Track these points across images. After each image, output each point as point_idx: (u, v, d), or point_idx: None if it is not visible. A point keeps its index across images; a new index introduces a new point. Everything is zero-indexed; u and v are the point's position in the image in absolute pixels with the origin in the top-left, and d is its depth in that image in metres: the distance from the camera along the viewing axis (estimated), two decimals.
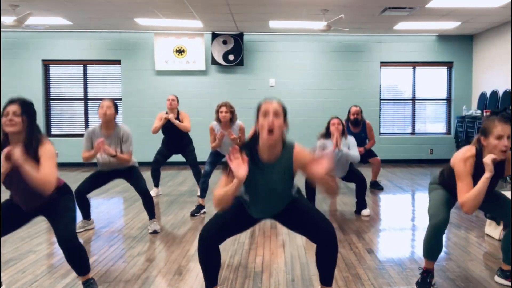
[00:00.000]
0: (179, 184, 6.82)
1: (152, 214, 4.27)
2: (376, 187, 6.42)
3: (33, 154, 2.50)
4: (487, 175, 2.52)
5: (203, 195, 5.00)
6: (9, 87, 8.42)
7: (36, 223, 4.50)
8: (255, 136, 2.32)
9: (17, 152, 2.34)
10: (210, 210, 5.07)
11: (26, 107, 2.56)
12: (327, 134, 4.73)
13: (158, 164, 5.84)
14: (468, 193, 2.55)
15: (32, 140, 2.53)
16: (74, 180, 4.94)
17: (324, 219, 2.45)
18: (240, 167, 2.14)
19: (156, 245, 3.86)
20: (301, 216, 2.48)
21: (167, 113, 5.66)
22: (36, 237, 4.08)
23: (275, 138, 2.21)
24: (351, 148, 4.76)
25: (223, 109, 4.82)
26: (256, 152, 2.31)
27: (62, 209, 2.69)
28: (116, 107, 4.08)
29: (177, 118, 5.66)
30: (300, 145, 2.34)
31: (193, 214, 4.87)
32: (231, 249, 3.68)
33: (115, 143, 4.02)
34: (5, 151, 2.35)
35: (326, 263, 2.46)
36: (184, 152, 5.77)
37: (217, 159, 5.05)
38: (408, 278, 3.05)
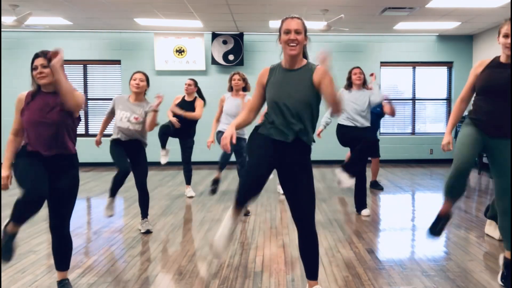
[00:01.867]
0: (179, 184, 6.82)
1: (145, 213, 4.28)
2: (376, 187, 6.41)
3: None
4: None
5: (221, 168, 5.34)
6: (9, 87, 8.42)
7: (36, 223, 4.50)
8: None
9: (59, 58, 2.60)
10: (211, 215, 5.08)
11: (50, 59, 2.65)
12: (349, 85, 4.81)
13: (168, 129, 5.64)
14: (455, 103, 3.01)
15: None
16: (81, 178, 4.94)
17: (313, 203, 2.49)
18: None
19: (156, 245, 3.86)
20: (300, 183, 2.46)
21: (184, 97, 5.68)
22: (36, 237, 4.08)
23: (297, 52, 2.42)
24: (372, 95, 4.75)
25: (236, 76, 5.04)
26: (280, 65, 2.54)
27: (68, 194, 2.68)
28: (148, 81, 4.18)
29: (193, 103, 5.63)
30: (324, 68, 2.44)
31: (213, 192, 5.35)
32: (231, 249, 3.68)
33: (135, 113, 4.06)
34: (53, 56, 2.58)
35: (308, 254, 2.56)
36: (185, 140, 5.72)
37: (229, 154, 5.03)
38: (408, 278, 3.05)
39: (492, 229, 3.98)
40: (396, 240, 3.97)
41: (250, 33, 8.81)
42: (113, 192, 4.24)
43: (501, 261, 3.00)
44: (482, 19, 7.59)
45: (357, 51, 9.15)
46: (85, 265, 3.33)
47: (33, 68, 2.64)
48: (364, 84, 4.83)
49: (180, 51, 8.87)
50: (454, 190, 2.87)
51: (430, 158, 9.18)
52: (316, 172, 5.43)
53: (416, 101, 9.44)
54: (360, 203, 4.88)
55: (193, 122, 5.69)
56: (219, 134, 5.07)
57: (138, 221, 4.62)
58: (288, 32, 2.40)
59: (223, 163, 5.28)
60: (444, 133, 3.05)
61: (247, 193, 2.48)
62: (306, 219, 2.50)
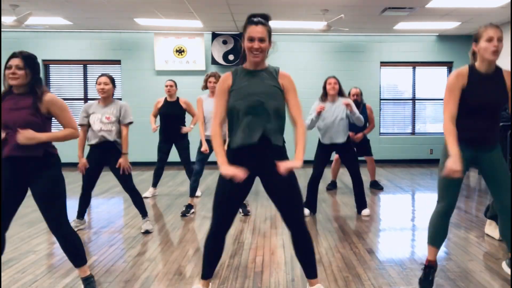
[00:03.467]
0: (179, 184, 6.82)
1: (143, 212, 4.28)
2: (376, 187, 6.41)
3: (39, 105, 2.57)
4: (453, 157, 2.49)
5: (192, 194, 4.96)
6: None
7: (36, 223, 4.50)
8: (244, 56, 2.48)
9: (25, 136, 2.47)
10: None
11: (29, 60, 2.60)
12: (324, 95, 4.73)
13: (162, 162, 5.79)
14: (444, 122, 2.60)
15: (37, 92, 2.59)
16: (74, 180, 4.95)
17: (300, 202, 2.48)
18: (229, 170, 2.30)
19: (156, 245, 3.86)
20: (282, 185, 2.42)
21: (165, 99, 5.68)
22: (36, 237, 4.08)
23: (261, 59, 2.40)
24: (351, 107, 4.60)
25: (212, 79, 4.89)
26: (242, 68, 2.50)
27: (53, 195, 2.63)
28: (113, 82, 4.13)
29: (177, 103, 5.64)
30: (286, 73, 2.50)
31: (183, 215, 4.85)
32: (231, 249, 3.68)
33: (107, 113, 4.03)
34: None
35: (303, 254, 2.56)
36: (179, 143, 5.71)
37: (206, 155, 4.87)
38: (408, 278, 3.05)
39: (492, 229, 3.98)
40: (396, 240, 3.97)
41: None
42: (81, 213, 4.34)
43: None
44: (482, 19, 7.58)
45: (357, 51, 9.15)
46: None
47: (7, 67, 2.56)
48: (339, 94, 4.71)
49: (180, 51, 8.87)
50: (440, 236, 2.78)
51: (430, 158, 9.18)
52: None
53: (416, 101, 9.44)
54: (360, 204, 4.88)
55: (182, 122, 5.70)
56: (207, 142, 4.80)
57: (138, 221, 4.63)
58: (252, 40, 2.35)
59: (194, 187, 4.96)
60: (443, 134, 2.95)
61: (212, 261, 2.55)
62: (296, 220, 2.48)
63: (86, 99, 9.05)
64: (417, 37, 9.14)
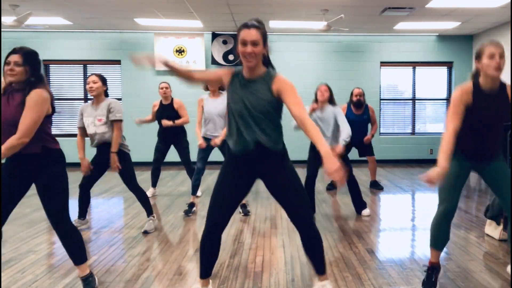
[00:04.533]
0: (179, 184, 6.82)
1: (148, 211, 4.28)
2: (376, 187, 6.41)
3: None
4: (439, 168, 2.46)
5: (194, 192, 4.99)
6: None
7: (36, 223, 4.51)
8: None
9: None
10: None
11: (29, 57, 2.58)
12: (315, 101, 4.70)
13: (159, 162, 5.82)
14: (446, 133, 2.56)
15: (27, 89, 2.54)
16: (75, 179, 4.94)
17: (305, 201, 2.48)
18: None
19: (156, 245, 3.86)
20: (286, 187, 2.44)
21: (161, 102, 5.67)
22: (36, 237, 4.08)
23: (254, 64, 2.34)
24: (338, 116, 4.57)
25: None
26: (241, 72, 2.46)
27: (55, 191, 2.62)
28: (102, 80, 4.08)
29: (171, 105, 5.61)
30: (283, 77, 2.41)
31: (187, 214, 4.86)
32: (231, 249, 3.68)
33: (98, 115, 4.02)
34: None
35: (312, 251, 2.57)
36: (178, 144, 5.70)
37: (207, 153, 4.88)
38: (408, 278, 3.05)
39: (492, 229, 3.98)
40: (396, 240, 3.97)
41: None
42: (82, 212, 4.36)
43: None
44: (482, 19, 7.59)
45: (357, 51, 9.15)
46: None
47: (6, 63, 2.55)
48: (330, 102, 4.63)
49: (180, 51, 8.87)
50: (443, 239, 2.80)
51: (430, 158, 9.17)
52: None
53: (416, 101, 9.44)
54: (359, 205, 4.88)
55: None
56: (206, 140, 4.83)
57: (138, 221, 4.63)
58: (244, 44, 2.29)
59: (196, 186, 4.99)
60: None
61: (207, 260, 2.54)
62: (303, 220, 2.50)
63: (86, 99, 9.05)
64: (417, 37, 9.14)
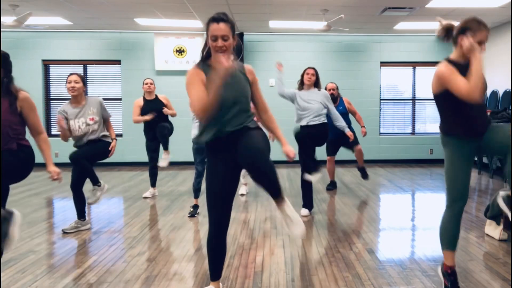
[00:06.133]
0: (179, 184, 6.82)
1: (95, 180, 4.29)
2: (364, 174, 6.36)
3: (14, 102, 2.76)
4: (476, 54, 2.40)
5: (196, 195, 4.99)
6: None
7: (36, 223, 4.50)
8: (208, 52, 2.44)
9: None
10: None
11: (4, 60, 2.73)
12: (301, 84, 4.75)
13: (154, 160, 5.83)
14: (468, 81, 2.38)
15: (11, 91, 2.77)
16: (68, 181, 4.94)
17: (262, 153, 2.24)
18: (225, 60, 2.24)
19: (156, 245, 3.86)
20: (246, 139, 2.28)
21: (144, 98, 5.79)
22: (36, 237, 4.08)
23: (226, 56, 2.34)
24: (329, 105, 4.76)
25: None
26: (208, 65, 2.43)
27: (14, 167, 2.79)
28: (83, 80, 4.14)
29: (156, 99, 5.74)
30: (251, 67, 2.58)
31: (192, 215, 4.87)
32: (231, 249, 3.68)
33: (88, 114, 4.07)
34: None
35: (263, 177, 2.28)
36: (160, 126, 5.65)
37: (205, 156, 4.90)
38: (408, 278, 3.05)
39: (492, 229, 3.98)
40: (396, 240, 3.97)
41: (250, 33, 8.80)
42: (80, 213, 4.34)
43: None
44: (482, 19, 7.57)
45: (357, 51, 9.15)
46: (85, 265, 3.33)
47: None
48: (315, 86, 4.73)
49: (180, 51, 8.87)
50: (456, 237, 2.68)
51: (430, 158, 9.18)
52: None
53: (416, 101, 9.45)
54: (307, 202, 4.86)
55: (164, 118, 5.72)
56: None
57: (138, 221, 4.63)
58: (215, 39, 2.33)
59: (198, 189, 4.99)
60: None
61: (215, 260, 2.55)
62: (257, 162, 2.22)
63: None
64: (417, 37, 9.14)
